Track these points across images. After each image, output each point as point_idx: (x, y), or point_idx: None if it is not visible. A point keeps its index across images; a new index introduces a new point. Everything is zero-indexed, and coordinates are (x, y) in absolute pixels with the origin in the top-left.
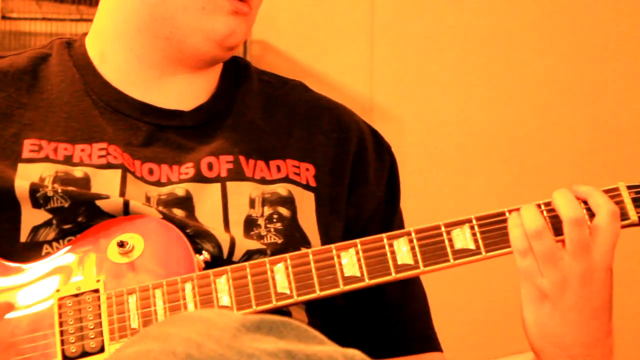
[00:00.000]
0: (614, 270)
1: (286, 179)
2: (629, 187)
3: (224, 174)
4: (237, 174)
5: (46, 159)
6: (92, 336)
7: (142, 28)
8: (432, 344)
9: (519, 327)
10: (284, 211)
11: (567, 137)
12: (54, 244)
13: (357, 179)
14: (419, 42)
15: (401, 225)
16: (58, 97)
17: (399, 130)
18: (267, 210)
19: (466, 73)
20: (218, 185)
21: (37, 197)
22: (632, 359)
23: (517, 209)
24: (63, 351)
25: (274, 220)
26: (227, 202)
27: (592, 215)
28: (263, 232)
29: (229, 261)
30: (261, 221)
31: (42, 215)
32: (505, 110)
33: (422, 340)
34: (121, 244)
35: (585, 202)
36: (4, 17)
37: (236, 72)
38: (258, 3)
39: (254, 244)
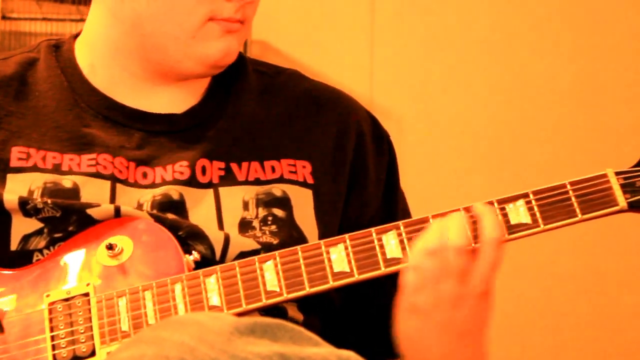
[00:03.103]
0: (615, 269)
1: (281, 179)
2: (617, 173)
3: (216, 180)
4: (229, 181)
5: (35, 168)
6: (83, 340)
7: (133, 51)
8: None
9: (518, 328)
10: (279, 212)
11: (566, 136)
12: (45, 251)
13: (357, 175)
14: (419, 42)
15: (405, 211)
16: (46, 104)
17: (399, 130)
18: (262, 212)
19: (466, 73)
20: (211, 191)
21: (28, 209)
22: (632, 359)
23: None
24: (54, 356)
25: (269, 222)
26: (221, 206)
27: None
28: (258, 234)
29: (221, 262)
30: (256, 223)
31: (33, 224)
32: (505, 110)
33: None
34: (110, 247)
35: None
36: (4, 17)
37: (230, 67)
38: (252, 12)
39: (249, 243)
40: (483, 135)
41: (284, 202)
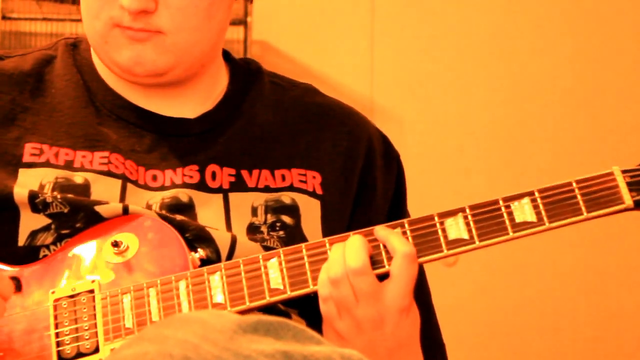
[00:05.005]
0: (614, 271)
1: (291, 188)
2: (624, 172)
3: (226, 185)
4: (239, 187)
5: (47, 164)
6: (87, 337)
7: None
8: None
9: (518, 328)
10: (288, 219)
11: (566, 136)
12: (52, 247)
13: (365, 190)
14: (419, 43)
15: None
16: (61, 102)
17: (399, 130)
18: (270, 218)
19: (466, 73)
20: (220, 196)
21: (36, 203)
22: (632, 358)
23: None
24: (59, 353)
25: (277, 228)
26: (230, 210)
27: (390, 257)
28: (266, 237)
29: None
30: (264, 228)
31: (41, 220)
32: (505, 110)
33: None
34: (115, 244)
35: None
36: (4, 17)
37: (247, 76)
38: (168, 22)
39: (256, 247)
40: (483, 135)
41: (293, 210)
